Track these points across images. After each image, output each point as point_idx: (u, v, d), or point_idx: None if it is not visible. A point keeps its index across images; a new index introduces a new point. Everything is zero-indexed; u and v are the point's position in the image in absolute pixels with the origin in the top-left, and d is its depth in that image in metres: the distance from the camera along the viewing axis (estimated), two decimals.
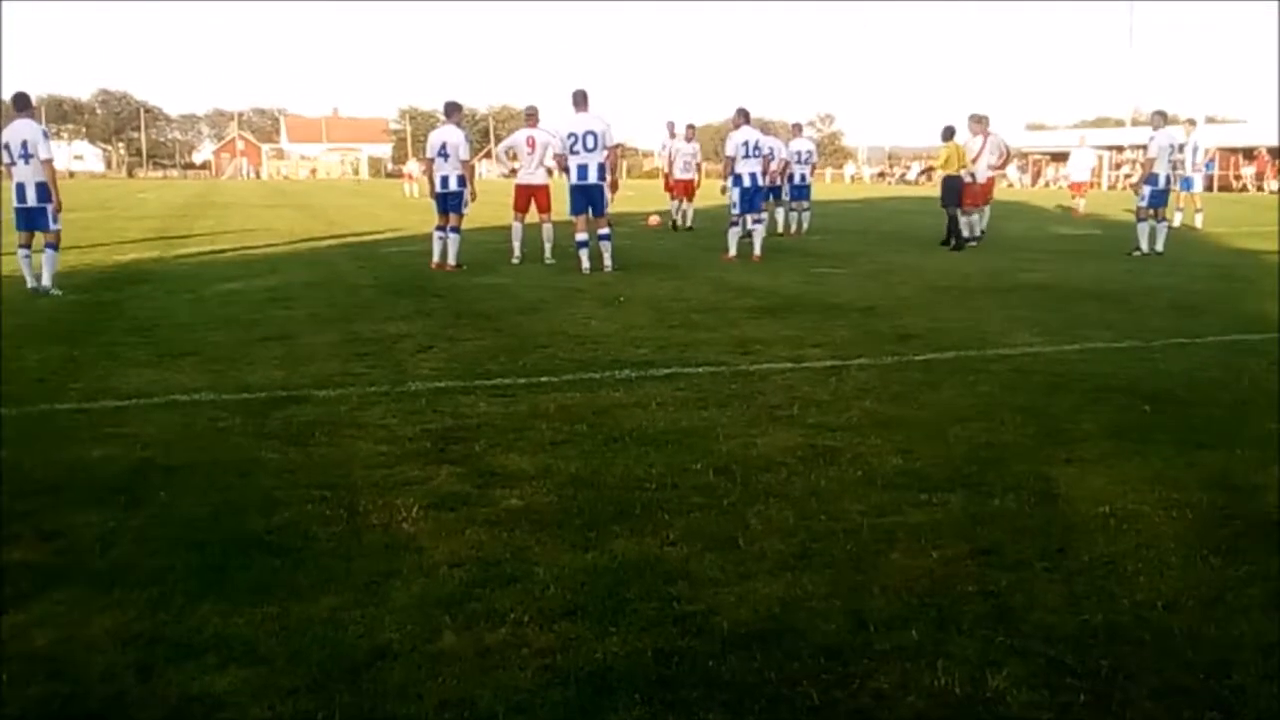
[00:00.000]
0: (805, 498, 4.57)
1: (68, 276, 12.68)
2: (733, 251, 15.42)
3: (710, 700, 2.90)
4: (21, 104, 12.10)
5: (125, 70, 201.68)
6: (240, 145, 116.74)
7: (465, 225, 14.26)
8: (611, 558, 3.91)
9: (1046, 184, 63.59)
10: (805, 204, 21.06)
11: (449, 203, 14.01)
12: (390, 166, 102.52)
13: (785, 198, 20.70)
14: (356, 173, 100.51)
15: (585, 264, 13.54)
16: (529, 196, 14.89)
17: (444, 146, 13.98)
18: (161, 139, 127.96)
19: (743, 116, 15.58)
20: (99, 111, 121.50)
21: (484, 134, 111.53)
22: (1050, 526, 4.23)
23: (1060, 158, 37.98)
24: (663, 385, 6.82)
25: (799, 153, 20.83)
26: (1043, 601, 3.53)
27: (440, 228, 14.05)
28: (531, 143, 14.94)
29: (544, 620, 3.37)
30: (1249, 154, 56.80)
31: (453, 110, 14.51)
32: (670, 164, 22.29)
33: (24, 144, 11.47)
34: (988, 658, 3.13)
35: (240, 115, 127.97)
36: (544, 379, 7.04)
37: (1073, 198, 29.06)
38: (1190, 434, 5.59)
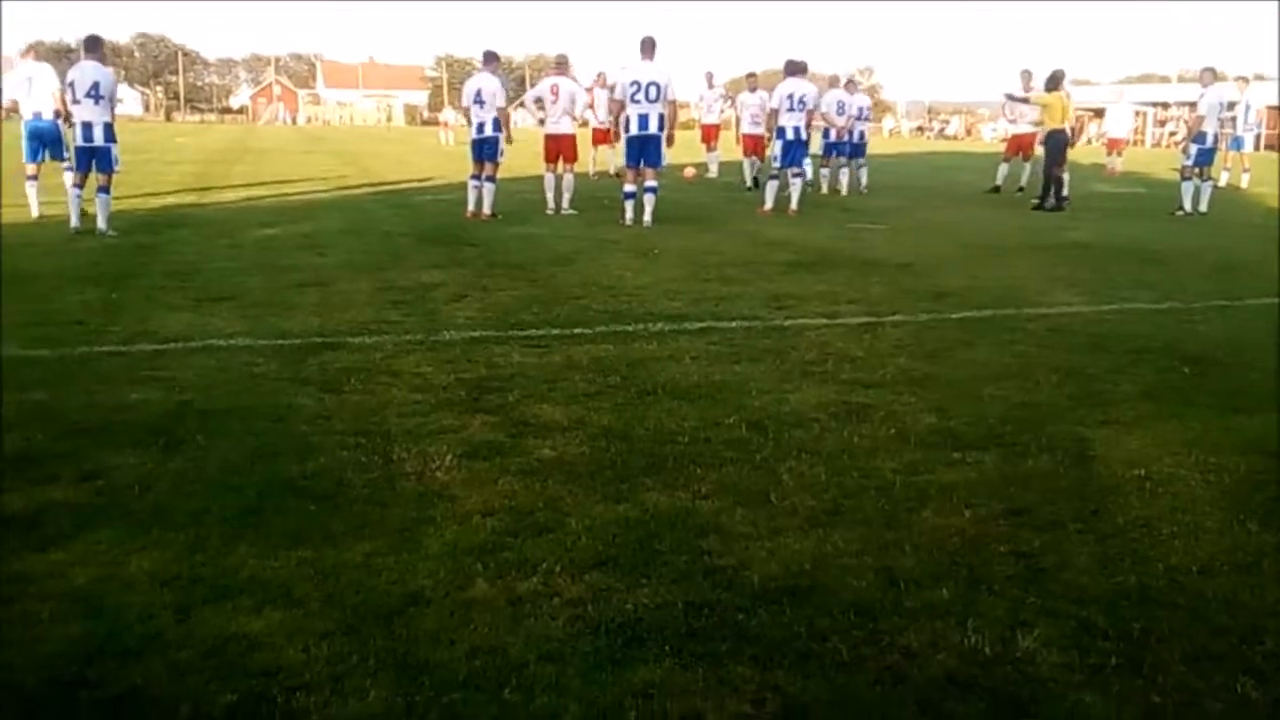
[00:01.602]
0: (837, 454, 4.56)
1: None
2: (769, 204, 15.27)
3: (739, 653, 2.92)
4: (92, 45, 12.17)
5: (163, 13, 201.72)
6: (277, 90, 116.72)
7: (500, 174, 14.22)
8: (643, 510, 3.92)
9: (1089, 140, 62.58)
10: (861, 160, 20.24)
11: (484, 150, 13.94)
12: (426, 114, 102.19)
13: (845, 155, 19.86)
14: (389, 119, 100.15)
15: (629, 215, 13.44)
16: (556, 147, 14.77)
17: (479, 93, 13.92)
18: (199, 83, 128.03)
19: (791, 69, 15.24)
20: (137, 55, 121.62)
21: (520, 82, 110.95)
22: (1085, 488, 4.21)
23: (1103, 114, 37.20)
24: (696, 339, 6.81)
25: (859, 109, 19.93)
26: (1075, 563, 3.52)
27: (475, 176, 14.00)
28: (555, 91, 14.78)
29: (575, 570, 3.40)
30: None
31: (490, 59, 14.40)
32: (736, 119, 21.55)
33: (95, 85, 11.58)
34: (1018, 618, 3.13)
35: (277, 60, 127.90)
36: (577, 330, 7.04)
37: (1109, 154, 28.37)
38: (1229, 397, 5.53)
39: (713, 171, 23.04)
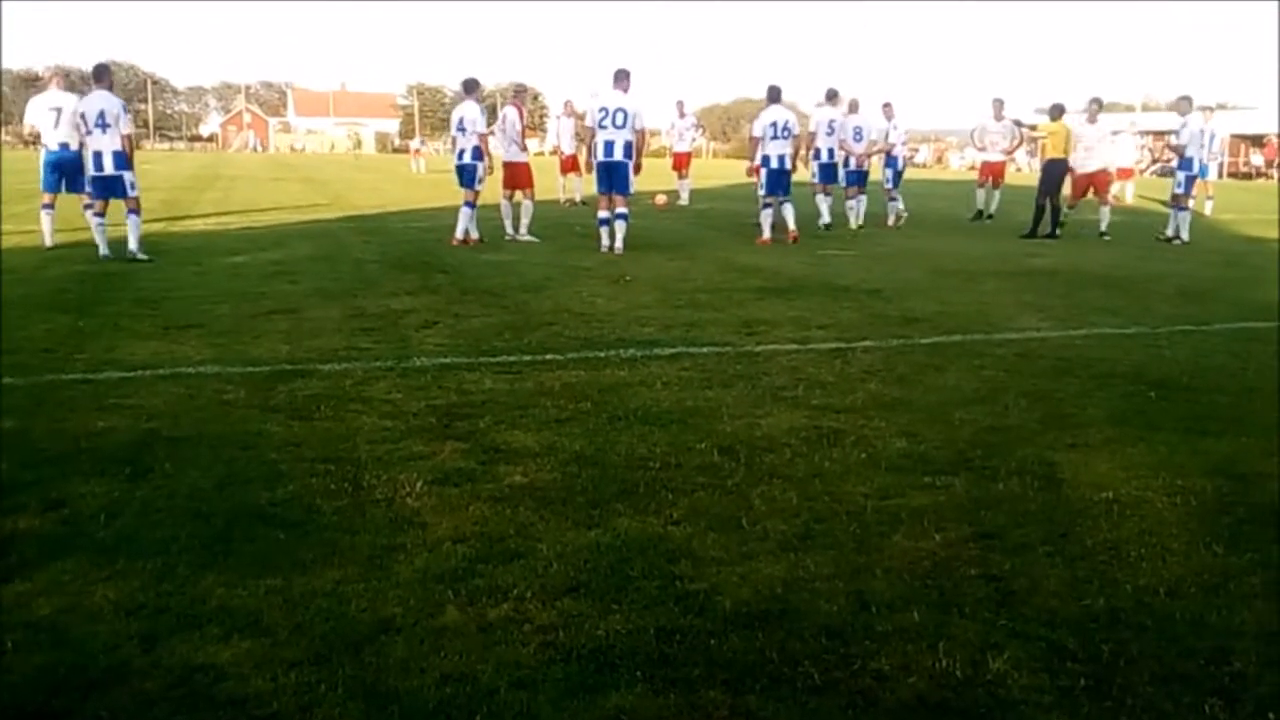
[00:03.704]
0: (809, 479, 4.57)
1: (72, 248, 12.75)
2: (766, 234, 14.95)
3: (711, 679, 2.91)
4: (100, 75, 12.35)
5: (132, 42, 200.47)
6: (247, 118, 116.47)
7: (480, 202, 14.28)
8: (614, 536, 3.91)
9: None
10: (894, 192, 18.89)
11: (463, 176, 14.18)
12: (397, 142, 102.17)
13: (886, 184, 18.75)
14: (358, 146, 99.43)
15: (604, 242, 13.48)
16: (509, 174, 15.06)
17: (461, 121, 14.21)
18: (168, 111, 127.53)
19: (772, 96, 15.06)
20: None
21: (492, 111, 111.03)
22: (1053, 511, 4.23)
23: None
24: (667, 365, 6.82)
25: (887, 132, 18.58)
26: (1045, 586, 3.53)
27: (468, 202, 14.19)
28: (504, 120, 15.30)
29: (546, 597, 3.38)
30: (1258, 141, 56.64)
31: (470, 87, 14.57)
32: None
33: (100, 114, 11.77)
34: (989, 640, 3.14)
35: (248, 88, 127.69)
36: (549, 356, 7.03)
37: (1116, 183, 28.64)
38: (1195, 421, 5.59)
39: (684, 199, 23.15)
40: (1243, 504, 4.34)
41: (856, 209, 18.06)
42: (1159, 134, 50.73)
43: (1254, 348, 7.64)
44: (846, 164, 17.96)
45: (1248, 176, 53.66)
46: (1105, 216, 17.26)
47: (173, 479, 4.46)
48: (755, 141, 15.05)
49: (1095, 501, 4.34)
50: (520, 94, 16.03)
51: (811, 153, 17.47)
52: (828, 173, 17.59)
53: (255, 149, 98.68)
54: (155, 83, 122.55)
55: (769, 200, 15.10)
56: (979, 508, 4.25)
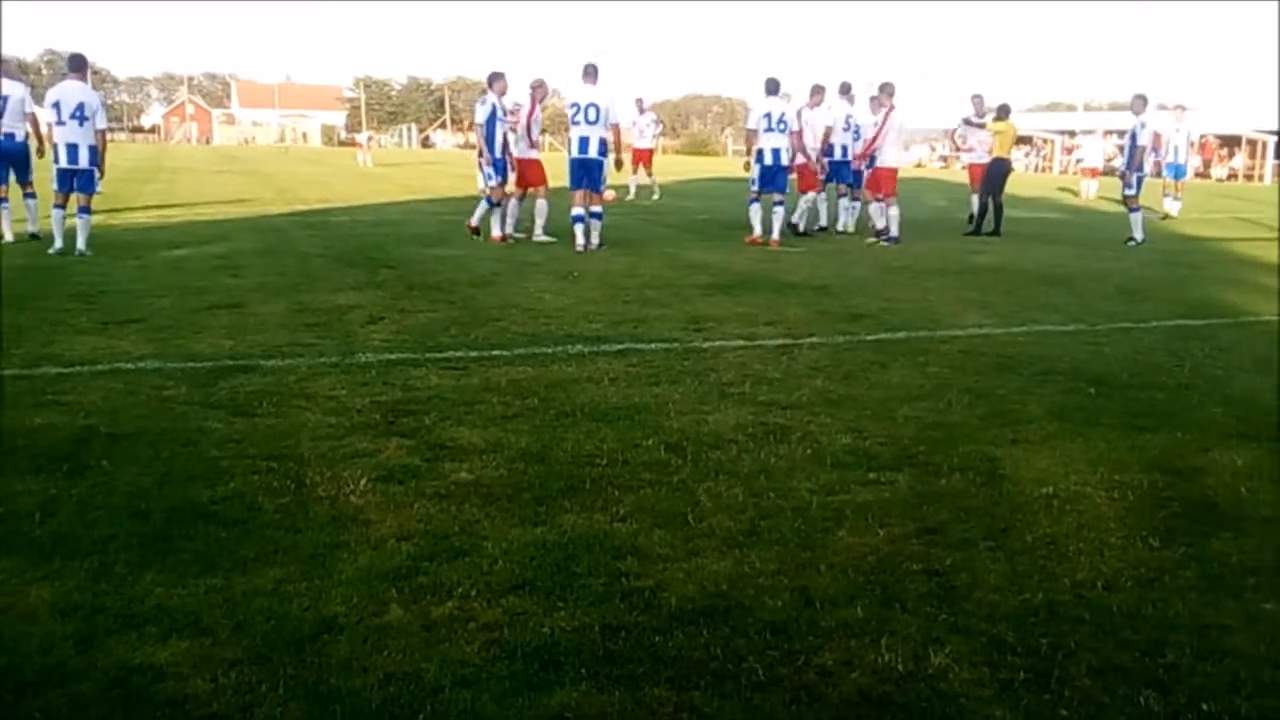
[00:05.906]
0: (755, 475, 4.59)
1: (11, 241, 12.52)
2: (757, 231, 14.45)
3: (656, 675, 2.92)
4: (77, 65, 12.10)
5: (72, 30, 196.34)
6: (190, 109, 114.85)
7: (419, 197, 14.14)
8: (560, 533, 3.91)
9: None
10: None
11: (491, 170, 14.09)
12: (344, 134, 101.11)
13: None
14: (287, 139, 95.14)
15: (580, 240, 13.22)
16: (518, 170, 14.49)
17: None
18: (109, 101, 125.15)
19: (770, 88, 14.32)
20: (45, 72, 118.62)
21: (439, 105, 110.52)
22: (995, 506, 4.29)
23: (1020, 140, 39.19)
24: (615, 361, 6.82)
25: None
26: (985, 580, 3.58)
27: (487, 199, 14.08)
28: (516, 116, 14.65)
29: (491, 594, 3.37)
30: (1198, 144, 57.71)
31: (490, 81, 14.12)
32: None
33: (80, 106, 11.52)
34: (931, 635, 3.17)
35: (191, 79, 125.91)
36: (496, 352, 7.01)
37: (1084, 181, 30.78)
38: (1133, 417, 5.68)
39: (631, 194, 23.14)
40: (1178, 498, 4.43)
41: (853, 211, 17.26)
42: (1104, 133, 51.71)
43: (1190, 345, 7.79)
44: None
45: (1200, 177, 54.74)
46: (885, 216, 15.47)
47: (111, 476, 4.39)
48: (751, 134, 14.48)
49: (1035, 497, 4.40)
50: (536, 89, 14.66)
51: (823, 149, 16.39)
52: (840, 171, 16.75)
53: (200, 141, 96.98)
54: (96, 73, 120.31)
55: (757, 196, 14.45)
56: (922, 503, 4.29)
